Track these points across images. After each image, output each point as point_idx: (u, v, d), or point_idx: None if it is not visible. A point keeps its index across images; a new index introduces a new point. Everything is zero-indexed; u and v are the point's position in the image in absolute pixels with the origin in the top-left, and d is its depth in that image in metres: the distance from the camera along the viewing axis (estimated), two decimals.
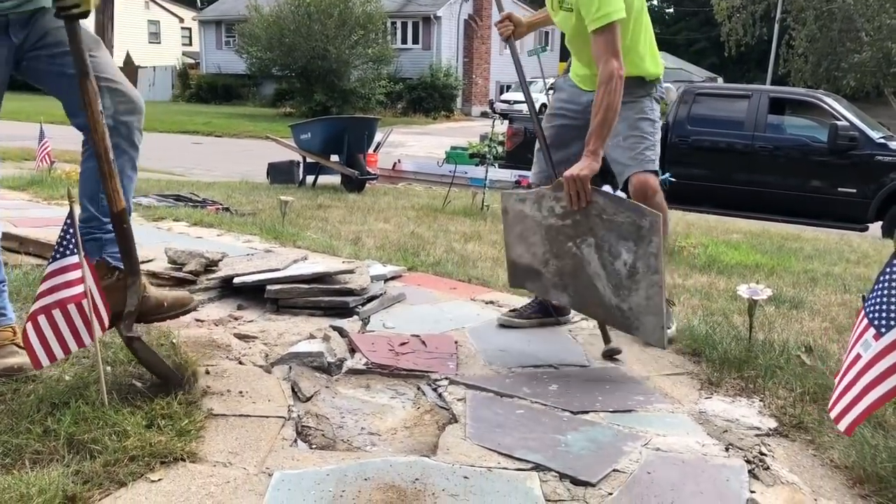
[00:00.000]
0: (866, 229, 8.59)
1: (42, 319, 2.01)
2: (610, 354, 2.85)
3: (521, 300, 3.56)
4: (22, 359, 2.27)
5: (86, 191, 2.39)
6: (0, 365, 2.27)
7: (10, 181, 7.01)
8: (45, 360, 2.03)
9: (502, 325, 3.18)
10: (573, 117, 3.12)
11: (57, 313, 2.02)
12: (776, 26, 27.77)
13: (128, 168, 2.39)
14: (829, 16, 25.79)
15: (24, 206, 5.71)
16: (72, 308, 2.03)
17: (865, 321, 1.80)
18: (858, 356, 1.79)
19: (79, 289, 2.04)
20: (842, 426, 1.82)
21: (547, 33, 38.05)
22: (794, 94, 10.60)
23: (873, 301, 1.80)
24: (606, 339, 2.90)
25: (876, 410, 1.79)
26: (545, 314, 3.21)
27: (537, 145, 3.19)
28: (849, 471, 2.06)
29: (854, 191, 8.58)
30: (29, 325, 2.00)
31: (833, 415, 1.85)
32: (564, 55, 39.32)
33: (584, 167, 2.73)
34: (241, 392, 2.34)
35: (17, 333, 2.37)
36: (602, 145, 2.80)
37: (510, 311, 3.26)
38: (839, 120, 8.67)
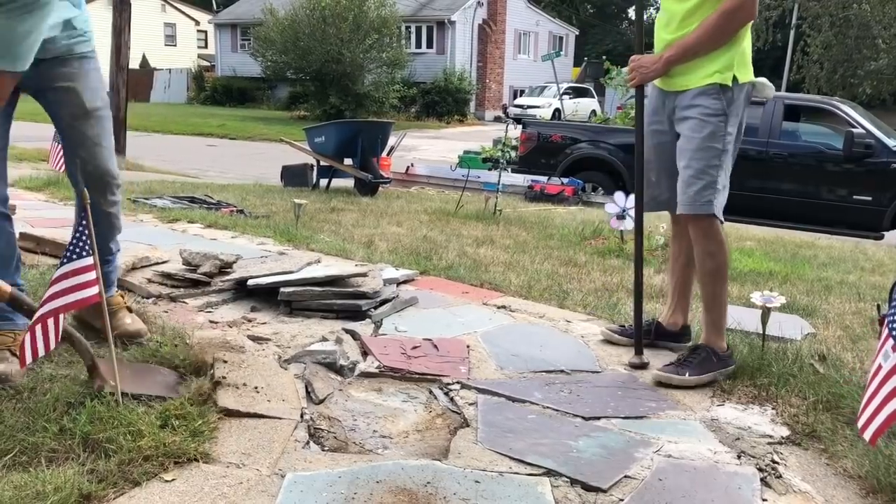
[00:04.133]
0: (882, 237, 8.53)
1: (51, 322, 2.02)
2: (635, 366, 2.80)
3: (535, 305, 3.57)
4: (8, 367, 2.25)
5: None
6: None
7: (26, 182, 7.07)
8: (29, 359, 2.04)
9: (605, 340, 3.09)
10: (664, 131, 2.85)
11: (61, 317, 2.03)
12: (791, 32, 27.63)
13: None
14: (845, 22, 25.64)
15: (40, 207, 5.77)
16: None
17: (886, 331, 1.81)
18: (880, 367, 1.79)
19: (93, 290, 2.06)
20: (866, 436, 1.82)
21: (561, 38, 38.06)
22: (809, 101, 10.54)
23: (893, 311, 1.80)
24: (639, 351, 2.86)
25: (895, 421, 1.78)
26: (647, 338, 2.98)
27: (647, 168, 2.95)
28: (862, 481, 2.05)
29: (869, 199, 8.52)
30: (38, 327, 2.01)
31: (859, 425, 1.85)
32: (578, 60, 39.24)
33: (650, 63, 2.74)
34: (256, 388, 2.35)
35: (17, 339, 2.35)
36: (679, 61, 2.68)
37: (612, 328, 3.14)
38: (855, 127, 8.60)
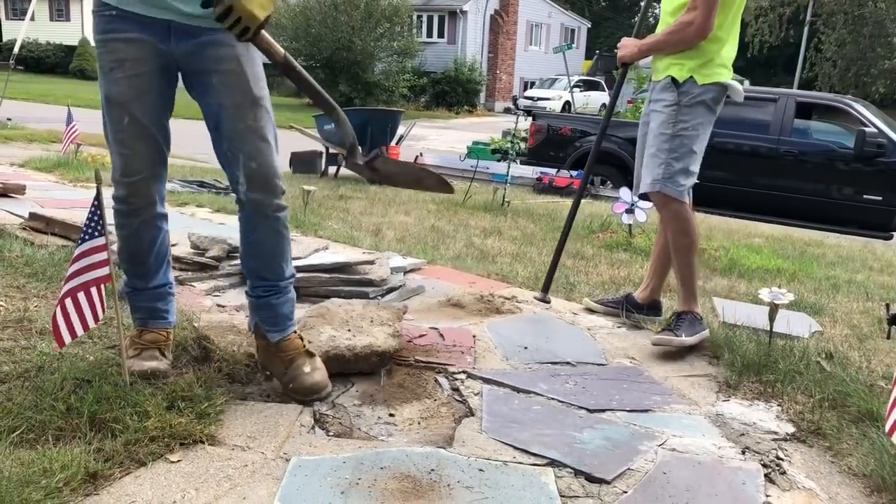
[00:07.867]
0: (891, 237, 8.49)
1: (69, 302, 2.03)
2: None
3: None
4: (160, 364, 2.22)
5: (260, 265, 2.31)
6: (137, 367, 2.18)
7: (37, 163, 7.09)
8: (67, 339, 2.06)
9: (587, 308, 3.44)
10: (646, 122, 3.11)
11: (82, 295, 2.05)
12: (805, 29, 27.45)
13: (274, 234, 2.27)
14: (859, 20, 25.48)
15: (50, 188, 5.79)
16: (93, 289, 2.06)
17: None
18: None
19: (104, 270, 2.06)
20: (895, 438, 1.83)
21: (573, 31, 37.90)
22: (821, 99, 10.46)
23: None
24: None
25: None
26: (617, 308, 3.36)
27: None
28: (867, 479, 2.04)
29: (880, 198, 8.47)
30: (58, 309, 2.03)
31: (887, 427, 1.85)
32: (589, 53, 39.05)
33: (631, 46, 3.11)
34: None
35: (169, 337, 2.34)
36: (649, 52, 3.04)
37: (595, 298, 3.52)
38: (867, 126, 8.54)
